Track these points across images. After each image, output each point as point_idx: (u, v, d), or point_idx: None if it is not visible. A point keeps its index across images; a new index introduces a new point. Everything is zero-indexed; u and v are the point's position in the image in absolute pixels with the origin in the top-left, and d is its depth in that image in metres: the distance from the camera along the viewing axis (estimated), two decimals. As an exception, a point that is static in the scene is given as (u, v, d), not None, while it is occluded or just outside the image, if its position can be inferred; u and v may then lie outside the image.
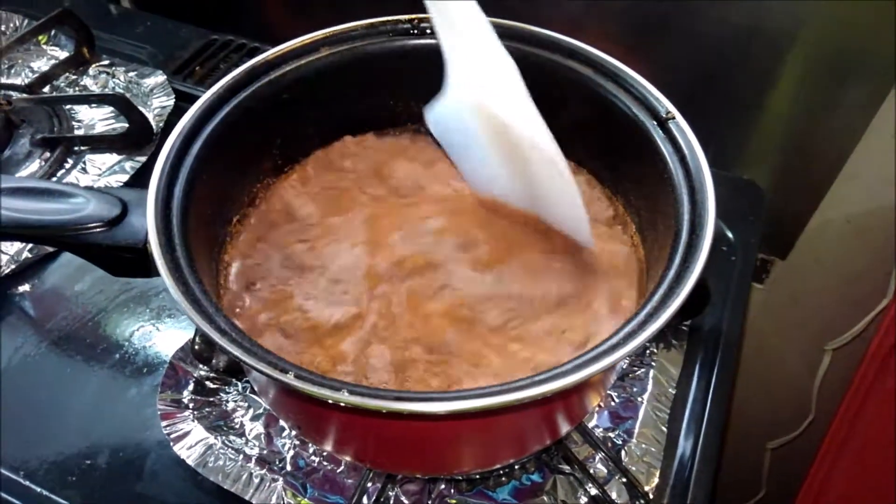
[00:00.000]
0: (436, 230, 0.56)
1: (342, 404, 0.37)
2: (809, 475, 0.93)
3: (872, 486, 0.85)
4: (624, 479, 0.58)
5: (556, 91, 0.56)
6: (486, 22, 0.49)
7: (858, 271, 0.94)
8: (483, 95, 0.48)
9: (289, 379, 0.38)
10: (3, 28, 0.95)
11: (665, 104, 0.52)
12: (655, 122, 0.51)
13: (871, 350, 0.82)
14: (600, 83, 0.54)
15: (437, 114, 0.49)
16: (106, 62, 0.91)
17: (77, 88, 0.89)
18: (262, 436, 0.60)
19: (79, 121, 0.85)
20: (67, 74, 0.90)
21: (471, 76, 0.49)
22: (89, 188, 0.52)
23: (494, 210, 0.58)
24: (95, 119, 0.85)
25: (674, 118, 0.50)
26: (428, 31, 0.59)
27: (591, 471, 0.58)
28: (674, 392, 0.63)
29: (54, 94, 0.88)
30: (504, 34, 0.57)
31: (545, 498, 0.57)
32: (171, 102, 0.85)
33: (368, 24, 0.59)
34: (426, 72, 0.58)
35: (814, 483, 0.92)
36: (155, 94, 0.86)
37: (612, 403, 0.63)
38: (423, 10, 0.58)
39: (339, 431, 0.49)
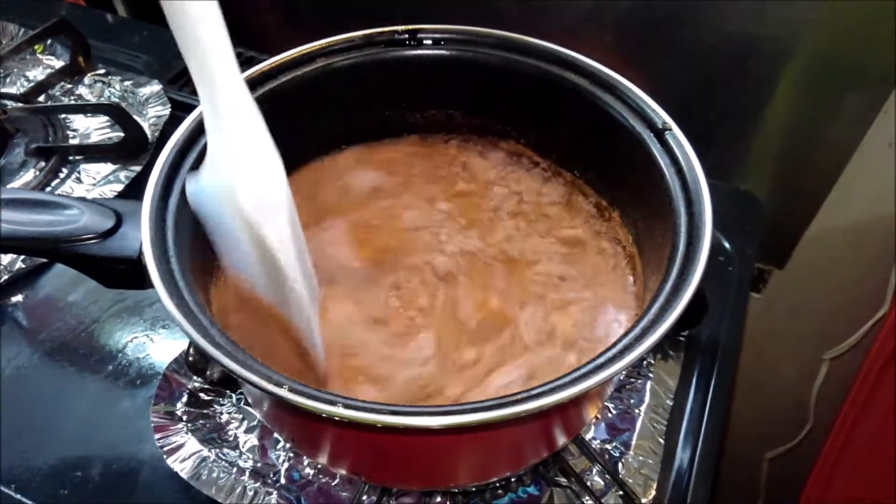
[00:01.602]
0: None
1: (337, 418, 0.37)
2: (807, 485, 0.92)
3: (871, 496, 0.84)
4: (621, 492, 0.57)
5: (553, 102, 0.56)
6: (258, 117, 0.45)
7: (855, 281, 0.94)
8: (238, 193, 0.44)
9: (283, 392, 0.38)
10: (-2, 37, 0.95)
11: (662, 116, 0.51)
12: (652, 134, 0.51)
13: (869, 359, 0.82)
14: (597, 94, 0.54)
15: (191, 190, 0.45)
16: (101, 71, 0.91)
17: (72, 98, 0.88)
18: (257, 448, 0.59)
19: (74, 130, 0.84)
20: (63, 84, 0.90)
21: (229, 164, 0.44)
22: (83, 199, 0.51)
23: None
24: (91, 128, 0.85)
25: (670, 130, 0.50)
26: (425, 41, 0.59)
27: (589, 483, 0.58)
28: (671, 403, 0.63)
29: (49, 103, 0.88)
30: (501, 45, 0.57)
31: (542, 510, 0.57)
32: (167, 112, 0.85)
33: (364, 35, 0.59)
34: (422, 83, 0.58)
35: (812, 493, 0.92)
36: (150, 104, 0.86)
37: (609, 415, 0.62)
38: (419, 21, 0.58)
39: (333, 445, 0.49)
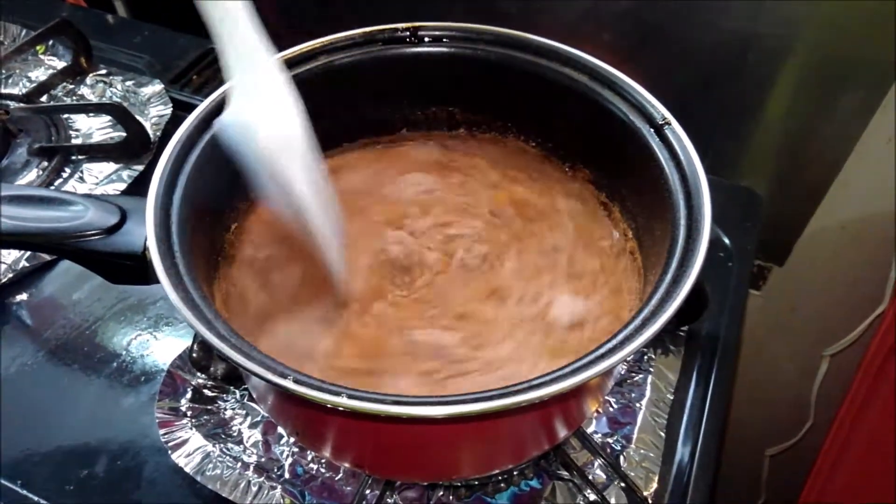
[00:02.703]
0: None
1: (341, 408, 0.38)
2: (808, 481, 0.92)
3: (872, 492, 0.85)
4: (623, 485, 0.58)
5: (553, 98, 0.57)
6: (272, 66, 0.49)
7: (855, 277, 0.94)
8: (259, 129, 0.48)
9: (288, 383, 0.38)
10: (1, 38, 0.95)
11: (661, 110, 0.52)
12: (651, 129, 0.52)
13: (869, 355, 0.82)
14: (596, 90, 0.55)
15: (220, 122, 0.50)
16: (103, 71, 0.91)
17: (74, 98, 0.89)
18: (260, 443, 0.60)
19: (76, 130, 0.85)
20: (65, 84, 0.90)
21: (248, 106, 0.48)
22: (88, 196, 0.52)
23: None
24: (93, 128, 0.85)
25: (669, 124, 0.51)
26: (426, 39, 0.59)
27: (590, 476, 0.58)
28: (672, 398, 0.63)
29: (52, 103, 0.88)
30: (501, 42, 0.57)
31: (544, 504, 0.57)
32: (169, 111, 0.85)
33: (365, 32, 0.59)
34: (423, 80, 0.58)
35: (813, 489, 0.92)
36: (152, 103, 0.87)
37: (611, 409, 0.63)
38: (420, 18, 0.58)
39: (337, 436, 0.49)
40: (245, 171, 0.49)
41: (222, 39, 0.47)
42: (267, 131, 0.48)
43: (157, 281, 0.44)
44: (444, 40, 0.59)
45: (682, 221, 0.46)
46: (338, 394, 0.38)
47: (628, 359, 0.65)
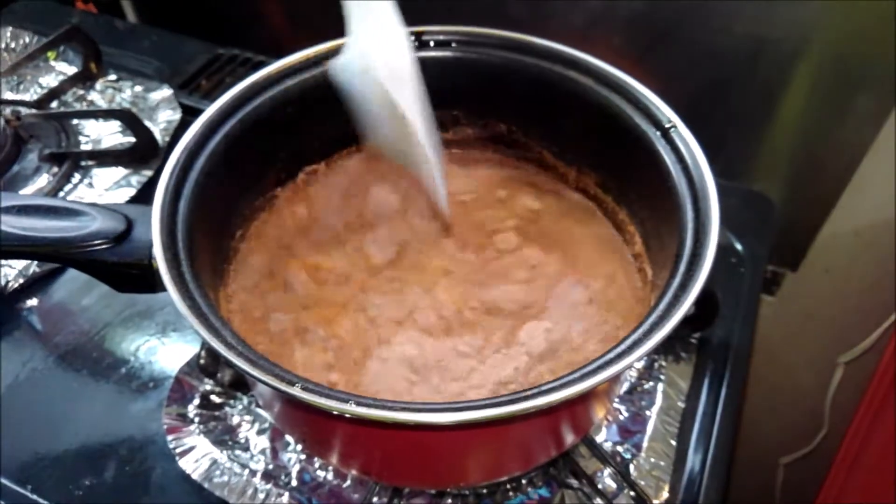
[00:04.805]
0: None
1: (348, 416, 0.37)
2: (823, 490, 0.91)
3: (888, 501, 0.84)
4: (632, 494, 0.57)
5: (560, 101, 0.56)
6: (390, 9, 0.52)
7: (869, 283, 0.93)
8: (374, 64, 0.51)
9: (295, 391, 0.38)
10: (12, 45, 0.96)
11: (667, 113, 0.51)
12: (658, 132, 0.51)
13: (884, 362, 0.81)
14: (603, 93, 0.54)
15: (336, 68, 0.53)
16: (113, 77, 0.92)
17: (84, 103, 0.89)
18: (268, 450, 0.59)
19: (86, 135, 0.85)
20: (75, 90, 0.91)
21: (368, 43, 0.52)
22: (94, 205, 0.52)
23: None
24: (102, 134, 0.85)
25: (676, 127, 0.50)
26: (431, 43, 0.59)
27: (600, 485, 0.57)
28: (683, 406, 0.63)
29: (62, 109, 0.89)
30: (505, 46, 0.57)
31: (553, 512, 0.57)
32: (178, 116, 0.86)
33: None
34: (427, 84, 0.57)
35: (827, 498, 0.91)
36: (161, 109, 0.87)
37: (621, 417, 0.62)
38: (424, 23, 0.58)
39: (345, 444, 0.49)
40: (354, 112, 0.52)
41: None
42: (386, 66, 0.51)
43: (163, 289, 0.44)
44: (449, 44, 0.59)
45: (690, 225, 0.45)
46: (345, 401, 0.37)
47: (637, 365, 0.65)
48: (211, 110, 0.53)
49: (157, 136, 0.83)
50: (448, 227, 0.60)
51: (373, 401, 0.38)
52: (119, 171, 0.81)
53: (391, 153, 0.56)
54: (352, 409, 0.37)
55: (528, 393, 0.38)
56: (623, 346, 0.40)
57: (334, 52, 0.58)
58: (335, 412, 0.38)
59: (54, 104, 0.89)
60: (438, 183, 0.55)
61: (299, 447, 0.59)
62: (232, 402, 0.62)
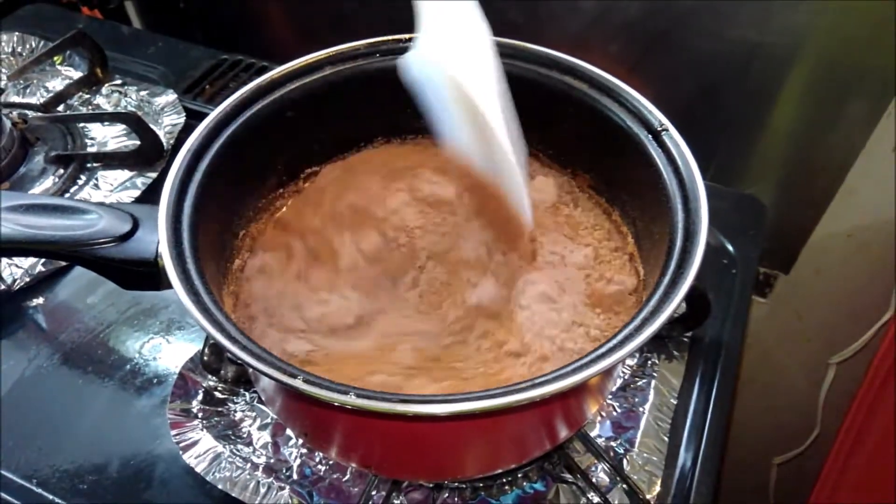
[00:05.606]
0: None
1: (349, 407, 0.39)
2: (815, 490, 0.92)
3: (880, 500, 0.85)
4: (625, 487, 0.58)
5: (554, 106, 0.57)
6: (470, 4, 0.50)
7: (861, 285, 0.94)
8: (450, 60, 0.49)
9: (298, 383, 0.39)
10: (19, 49, 0.97)
11: (658, 117, 0.53)
12: (649, 135, 0.53)
13: (875, 363, 0.82)
14: (595, 98, 0.56)
15: (408, 64, 0.50)
16: (118, 82, 0.93)
17: (90, 107, 0.91)
18: (270, 445, 0.61)
19: (92, 138, 0.87)
20: (81, 94, 0.92)
21: (440, 38, 0.50)
22: (101, 204, 0.53)
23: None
24: (108, 137, 0.87)
25: (667, 130, 0.52)
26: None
27: (594, 479, 0.59)
28: (675, 403, 0.64)
29: (68, 112, 0.90)
30: (500, 52, 0.58)
31: (548, 506, 0.58)
32: (182, 120, 0.87)
33: (370, 43, 0.60)
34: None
35: (820, 498, 0.92)
36: (166, 112, 0.88)
37: (614, 413, 0.63)
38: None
39: (345, 436, 0.50)
40: (435, 110, 0.50)
41: None
42: (463, 63, 0.48)
43: (168, 286, 0.45)
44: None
45: (680, 224, 0.47)
46: (346, 392, 0.39)
47: (630, 362, 0.66)
48: (215, 114, 0.54)
49: (162, 139, 0.84)
50: (533, 239, 0.57)
51: (372, 392, 0.39)
52: (124, 173, 0.82)
53: (469, 155, 0.53)
54: (352, 400, 0.39)
55: (523, 385, 0.39)
56: (614, 342, 0.41)
57: (335, 57, 0.59)
58: (336, 404, 0.39)
59: (61, 108, 0.91)
60: (521, 190, 0.52)
61: (300, 442, 0.60)
62: (235, 398, 0.64)
